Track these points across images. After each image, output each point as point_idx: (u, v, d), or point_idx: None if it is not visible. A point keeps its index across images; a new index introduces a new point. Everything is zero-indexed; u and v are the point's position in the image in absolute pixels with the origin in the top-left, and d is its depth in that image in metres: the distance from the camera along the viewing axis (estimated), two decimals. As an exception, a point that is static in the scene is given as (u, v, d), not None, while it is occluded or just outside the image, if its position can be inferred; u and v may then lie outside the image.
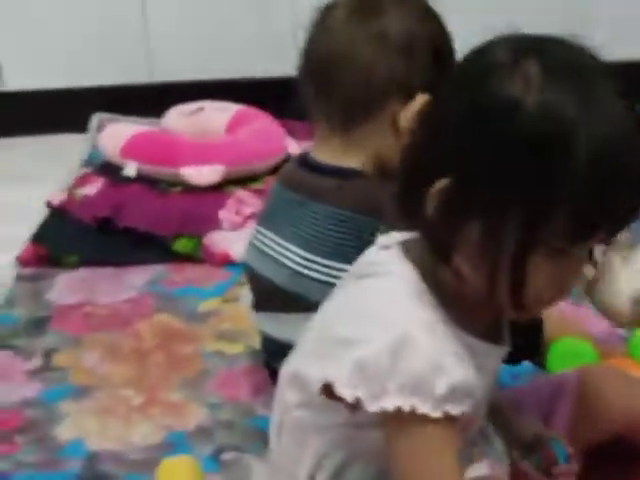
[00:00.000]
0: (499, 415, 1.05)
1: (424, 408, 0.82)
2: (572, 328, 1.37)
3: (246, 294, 1.29)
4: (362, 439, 0.91)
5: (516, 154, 0.80)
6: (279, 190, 1.23)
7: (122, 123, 2.28)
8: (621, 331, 1.46)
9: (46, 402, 1.43)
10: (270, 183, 2.00)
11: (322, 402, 0.89)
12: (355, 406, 0.86)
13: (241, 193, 1.98)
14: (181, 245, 1.85)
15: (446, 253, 0.85)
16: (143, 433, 1.35)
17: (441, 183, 0.83)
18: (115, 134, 2.11)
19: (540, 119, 0.79)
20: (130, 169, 2.00)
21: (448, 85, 0.89)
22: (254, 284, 1.26)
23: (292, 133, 2.19)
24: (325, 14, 1.19)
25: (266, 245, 1.22)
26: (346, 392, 0.85)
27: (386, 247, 0.93)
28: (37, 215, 1.98)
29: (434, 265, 0.88)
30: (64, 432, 1.36)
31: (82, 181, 2.05)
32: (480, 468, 0.98)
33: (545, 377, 1.21)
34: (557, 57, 0.83)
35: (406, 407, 0.83)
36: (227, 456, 1.27)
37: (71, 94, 2.53)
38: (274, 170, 2.03)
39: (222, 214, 1.90)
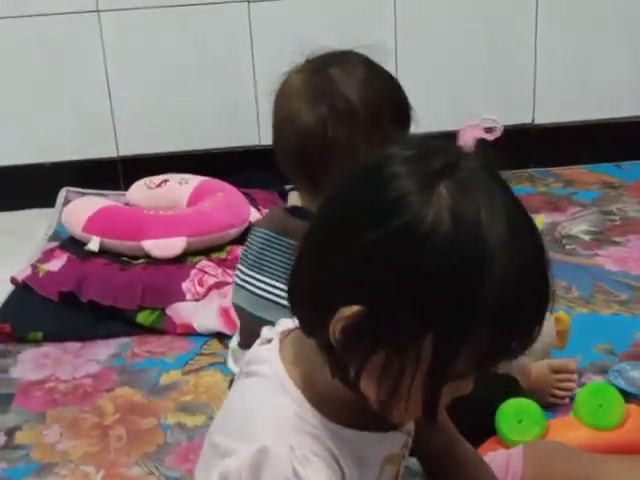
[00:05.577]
0: None
1: None
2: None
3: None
4: None
5: (434, 285, 0.76)
6: (269, 236, 1.26)
7: (85, 198, 2.30)
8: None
9: (8, 481, 1.44)
10: (234, 253, 2.03)
11: None
12: None
13: (204, 263, 1.99)
14: (144, 317, 1.87)
15: (350, 377, 0.82)
16: (103, 509, 1.36)
17: (350, 310, 0.78)
18: (77, 210, 2.13)
19: (455, 248, 0.75)
20: (93, 244, 2.02)
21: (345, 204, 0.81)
22: (246, 324, 1.27)
23: (253, 202, 2.23)
24: (284, 96, 1.22)
25: (259, 288, 1.25)
26: None
27: (268, 340, 0.92)
28: (2, 292, 1.99)
29: (313, 364, 0.85)
30: (24, 511, 1.37)
31: (47, 256, 2.06)
32: None
33: (491, 455, 1.22)
34: (465, 179, 0.78)
35: None
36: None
37: (39, 170, 2.57)
38: (237, 240, 2.06)
39: (185, 285, 1.92)
